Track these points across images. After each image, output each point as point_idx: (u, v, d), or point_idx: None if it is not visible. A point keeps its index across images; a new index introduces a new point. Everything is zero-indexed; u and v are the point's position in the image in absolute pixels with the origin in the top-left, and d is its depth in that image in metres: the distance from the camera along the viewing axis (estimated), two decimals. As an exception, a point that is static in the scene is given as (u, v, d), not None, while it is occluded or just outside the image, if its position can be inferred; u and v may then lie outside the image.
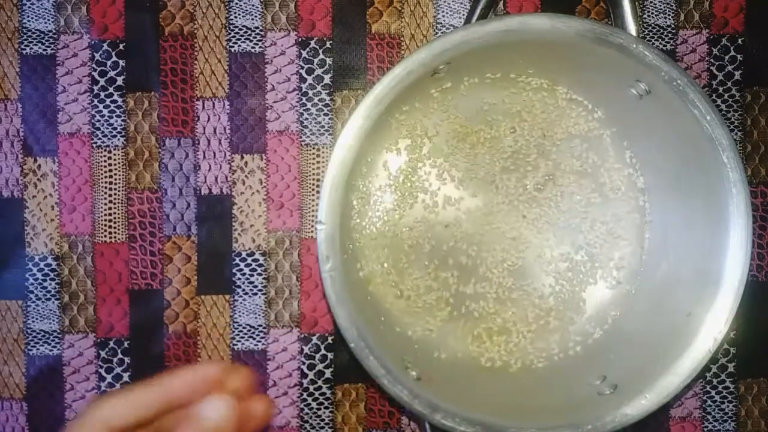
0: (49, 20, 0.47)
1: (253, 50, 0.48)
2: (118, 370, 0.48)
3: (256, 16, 0.48)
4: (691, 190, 0.43)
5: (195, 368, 0.32)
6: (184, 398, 0.31)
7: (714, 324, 0.41)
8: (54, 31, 0.47)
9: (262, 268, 0.48)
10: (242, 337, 0.48)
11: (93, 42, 0.47)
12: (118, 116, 0.48)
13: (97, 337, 0.48)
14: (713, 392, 0.49)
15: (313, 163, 0.48)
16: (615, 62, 0.41)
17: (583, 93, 0.46)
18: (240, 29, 0.48)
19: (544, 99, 0.46)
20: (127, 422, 0.30)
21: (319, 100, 0.48)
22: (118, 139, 0.48)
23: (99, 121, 0.48)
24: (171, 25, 0.48)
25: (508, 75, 0.45)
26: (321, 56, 0.48)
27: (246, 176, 0.48)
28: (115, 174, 0.48)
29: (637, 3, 0.48)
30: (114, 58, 0.47)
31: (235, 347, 0.48)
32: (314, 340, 0.48)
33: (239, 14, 0.48)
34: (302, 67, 0.48)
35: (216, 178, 0.48)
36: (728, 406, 0.49)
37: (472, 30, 0.40)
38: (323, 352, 0.48)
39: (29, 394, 0.48)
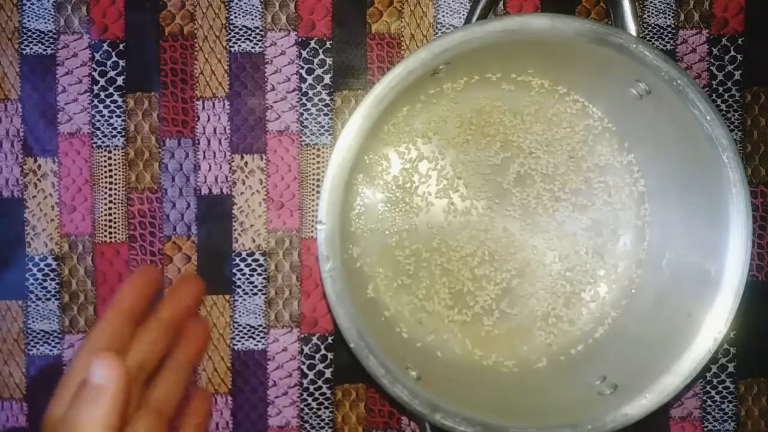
0: (49, 20, 0.47)
1: (253, 50, 0.48)
2: (118, 370, 0.48)
3: (256, 16, 0.48)
4: (691, 190, 0.43)
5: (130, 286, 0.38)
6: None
7: (714, 324, 0.41)
8: (54, 31, 0.47)
9: (262, 268, 0.48)
10: (242, 337, 0.48)
11: (93, 42, 0.47)
12: (118, 116, 0.48)
13: (97, 337, 0.48)
14: (713, 392, 0.49)
15: (313, 163, 0.48)
16: (615, 62, 0.41)
17: (583, 93, 0.46)
18: (240, 29, 0.48)
19: (544, 99, 0.46)
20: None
21: (319, 100, 0.48)
22: (118, 139, 0.48)
23: (99, 121, 0.48)
24: (171, 25, 0.48)
25: (509, 75, 0.45)
26: (321, 56, 0.48)
27: (246, 176, 0.48)
28: (115, 174, 0.48)
29: (637, 3, 0.48)
30: (114, 58, 0.47)
31: (235, 347, 0.48)
32: (314, 340, 0.48)
33: (239, 14, 0.48)
34: (302, 67, 0.48)
35: (216, 178, 0.48)
36: (728, 406, 0.49)
37: (472, 30, 0.40)
38: (323, 352, 0.48)
39: (29, 394, 0.48)
